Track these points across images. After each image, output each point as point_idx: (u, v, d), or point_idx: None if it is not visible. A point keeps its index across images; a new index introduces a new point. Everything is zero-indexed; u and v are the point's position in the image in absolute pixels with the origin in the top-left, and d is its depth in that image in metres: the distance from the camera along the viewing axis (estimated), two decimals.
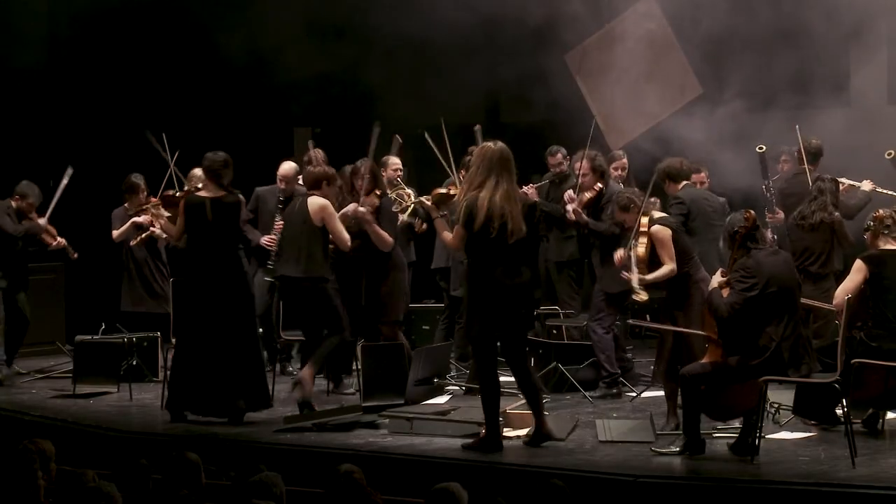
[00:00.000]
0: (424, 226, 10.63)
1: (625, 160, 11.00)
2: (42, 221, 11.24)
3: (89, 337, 10.98)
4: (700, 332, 8.12)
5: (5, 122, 12.91)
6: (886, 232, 8.35)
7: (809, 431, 8.38)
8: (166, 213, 9.96)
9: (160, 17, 13.57)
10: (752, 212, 7.84)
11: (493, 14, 11.46)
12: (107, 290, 13.30)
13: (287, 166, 10.80)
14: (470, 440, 8.14)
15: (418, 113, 14.79)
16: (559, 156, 11.30)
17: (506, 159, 8.08)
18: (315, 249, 9.34)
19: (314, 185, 9.49)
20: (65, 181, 11.32)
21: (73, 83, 13.76)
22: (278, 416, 9.15)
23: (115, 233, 11.36)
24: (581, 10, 11.55)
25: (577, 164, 10.45)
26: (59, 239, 11.42)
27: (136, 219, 11.27)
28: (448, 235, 8.26)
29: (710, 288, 7.93)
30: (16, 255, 11.25)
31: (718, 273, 7.95)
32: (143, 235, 11.22)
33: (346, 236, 9.35)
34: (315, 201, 9.36)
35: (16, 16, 13.32)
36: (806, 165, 10.34)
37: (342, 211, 9.59)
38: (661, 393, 9.92)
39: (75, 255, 11.63)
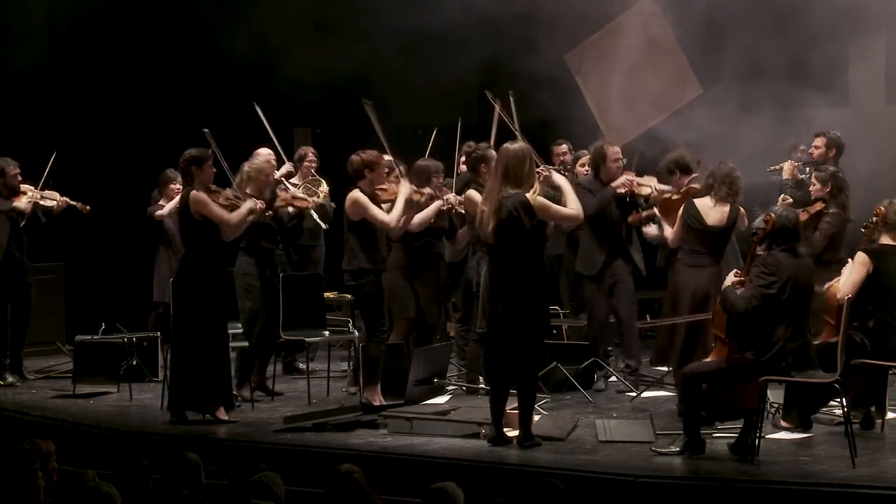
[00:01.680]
0: None
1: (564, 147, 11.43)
2: (30, 195, 11.05)
3: (89, 337, 10.96)
4: (691, 318, 8.17)
5: (5, 122, 12.90)
6: (884, 228, 8.39)
7: (809, 431, 8.37)
8: None
9: (160, 16, 13.57)
10: (773, 215, 7.82)
11: (494, 13, 11.46)
12: (106, 291, 13.34)
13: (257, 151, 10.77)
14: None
15: (419, 112, 14.82)
16: (564, 146, 11.38)
17: (499, 160, 8.17)
18: (352, 243, 9.34)
19: (357, 175, 9.39)
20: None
21: (74, 83, 13.76)
22: (278, 416, 9.16)
23: (159, 212, 11.47)
24: (581, 8, 11.55)
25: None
26: (59, 200, 11.20)
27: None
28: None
29: (723, 287, 7.94)
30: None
31: (732, 273, 7.95)
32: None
33: (384, 218, 9.23)
34: (349, 196, 9.33)
35: (16, 16, 13.32)
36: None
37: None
38: (662, 393, 9.96)
39: (87, 208, 11.44)
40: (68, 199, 11.26)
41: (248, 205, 9.30)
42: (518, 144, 8.25)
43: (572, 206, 8.30)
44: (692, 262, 8.90)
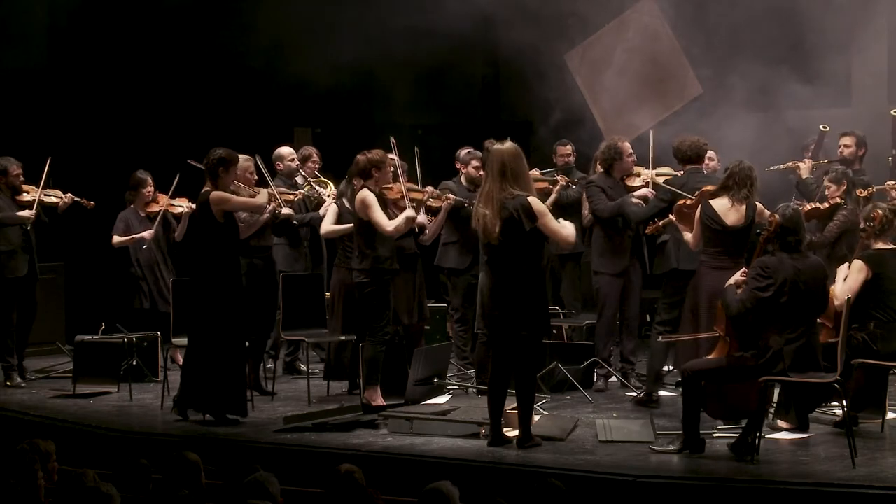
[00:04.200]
0: None
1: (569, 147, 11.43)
2: (32, 195, 11.05)
3: (89, 337, 10.96)
4: (714, 335, 8.12)
5: (4, 122, 12.90)
6: (880, 232, 8.40)
7: (809, 431, 8.37)
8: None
9: (160, 16, 13.57)
10: (777, 216, 7.78)
11: (495, 13, 11.47)
12: (106, 291, 13.33)
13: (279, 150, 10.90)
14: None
15: (419, 112, 14.82)
16: (569, 147, 11.36)
17: (494, 160, 8.10)
18: (360, 242, 9.32)
19: (364, 174, 9.32)
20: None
21: (73, 83, 13.76)
22: (278, 415, 9.16)
23: (116, 239, 11.44)
24: (582, 8, 11.56)
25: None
26: (64, 197, 11.23)
27: (136, 236, 11.35)
28: None
29: (726, 286, 7.92)
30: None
31: (738, 273, 7.93)
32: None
33: (386, 223, 9.20)
34: (358, 195, 9.27)
35: (15, 16, 13.32)
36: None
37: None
38: (662, 393, 9.95)
39: (91, 204, 11.42)
40: (73, 196, 11.25)
41: (262, 198, 9.44)
42: (508, 143, 8.21)
43: (569, 230, 8.26)
44: (715, 264, 8.77)
